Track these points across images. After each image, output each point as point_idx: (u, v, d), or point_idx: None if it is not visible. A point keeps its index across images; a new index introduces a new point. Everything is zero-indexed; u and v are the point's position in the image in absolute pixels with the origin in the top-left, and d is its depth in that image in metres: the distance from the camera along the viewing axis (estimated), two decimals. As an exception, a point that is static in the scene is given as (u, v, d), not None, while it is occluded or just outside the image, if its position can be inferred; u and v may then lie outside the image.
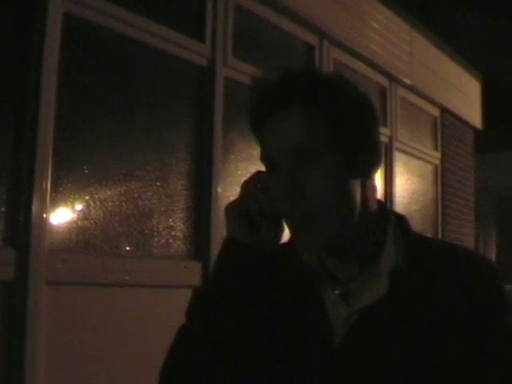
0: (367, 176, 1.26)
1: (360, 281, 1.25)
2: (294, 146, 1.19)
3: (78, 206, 3.10)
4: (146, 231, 3.42)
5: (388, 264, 1.23)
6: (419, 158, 6.45)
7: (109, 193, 3.24)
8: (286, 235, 1.29)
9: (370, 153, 1.25)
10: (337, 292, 1.26)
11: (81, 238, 3.10)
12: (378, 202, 1.31)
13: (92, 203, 3.14)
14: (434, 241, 1.37)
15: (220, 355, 1.21)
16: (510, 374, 1.20)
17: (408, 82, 6.06)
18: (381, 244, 1.26)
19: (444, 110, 6.86)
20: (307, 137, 1.19)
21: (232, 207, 1.28)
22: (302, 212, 1.19)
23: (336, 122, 1.20)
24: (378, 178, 5.68)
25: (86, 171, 3.14)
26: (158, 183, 3.52)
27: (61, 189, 3.01)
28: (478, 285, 1.21)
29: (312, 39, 4.83)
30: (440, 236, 6.66)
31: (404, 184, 6.14)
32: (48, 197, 2.87)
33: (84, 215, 3.12)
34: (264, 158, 1.25)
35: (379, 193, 5.67)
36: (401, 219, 1.32)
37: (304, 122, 1.19)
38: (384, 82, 5.83)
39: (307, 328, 1.25)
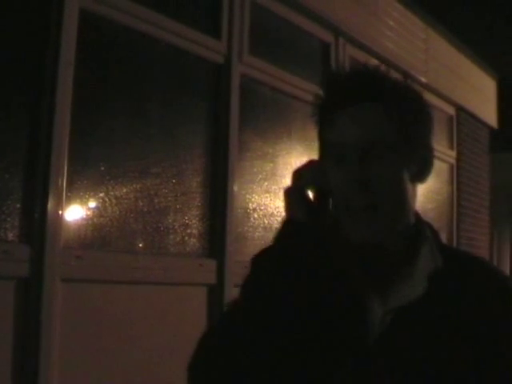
0: (420, 181, 1.34)
1: (397, 280, 1.28)
2: (364, 140, 1.23)
3: (94, 203, 3.09)
4: (162, 228, 3.41)
5: (426, 266, 1.28)
6: (434, 157, 6.39)
7: (124, 190, 3.23)
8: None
9: (425, 158, 1.33)
10: (374, 290, 1.27)
11: (96, 235, 3.09)
12: None
13: (107, 200, 3.13)
14: (459, 249, 1.48)
15: (268, 338, 1.20)
16: None
17: (423, 79, 6.02)
18: (417, 247, 1.30)
19: (459, 109, 6.83)
20: (377, 132, 1.24)
21: (293, 190, 1.31)
22: (366, 204, 1.23)
23: (403, 122, 1.26)
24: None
25: (102, 168, 3.13)
26: (174, 180, 3.50)
27: (76, 186, 3.00)
28: (508, 294, 1.31)
29: (328, 36, 4.81)
30: (455, 235, 6.65)
31: (419, 182, 6.10)
32: (63, 194, 2.87)
33: (99, 212, 3.11)
34: (329, 151, 1.29)
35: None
36: (431, 227, 1.39)
37: (375, 118, 1.25)
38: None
39: (344, 324, 1.25)
